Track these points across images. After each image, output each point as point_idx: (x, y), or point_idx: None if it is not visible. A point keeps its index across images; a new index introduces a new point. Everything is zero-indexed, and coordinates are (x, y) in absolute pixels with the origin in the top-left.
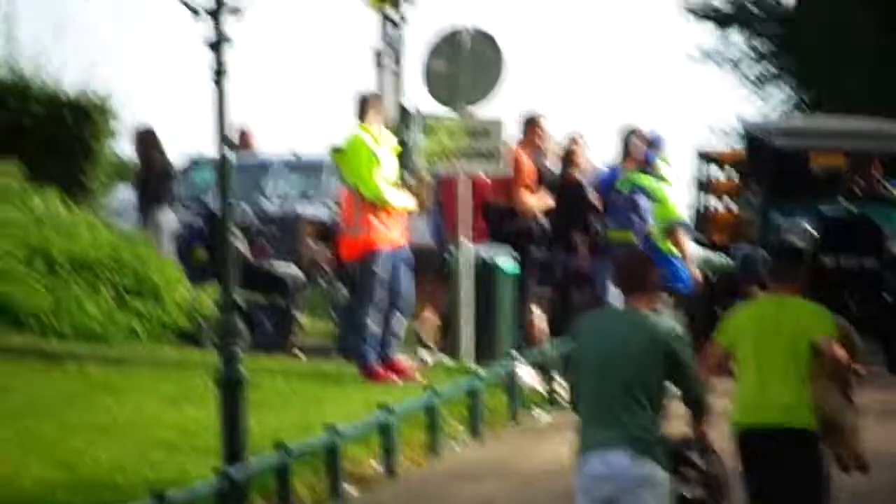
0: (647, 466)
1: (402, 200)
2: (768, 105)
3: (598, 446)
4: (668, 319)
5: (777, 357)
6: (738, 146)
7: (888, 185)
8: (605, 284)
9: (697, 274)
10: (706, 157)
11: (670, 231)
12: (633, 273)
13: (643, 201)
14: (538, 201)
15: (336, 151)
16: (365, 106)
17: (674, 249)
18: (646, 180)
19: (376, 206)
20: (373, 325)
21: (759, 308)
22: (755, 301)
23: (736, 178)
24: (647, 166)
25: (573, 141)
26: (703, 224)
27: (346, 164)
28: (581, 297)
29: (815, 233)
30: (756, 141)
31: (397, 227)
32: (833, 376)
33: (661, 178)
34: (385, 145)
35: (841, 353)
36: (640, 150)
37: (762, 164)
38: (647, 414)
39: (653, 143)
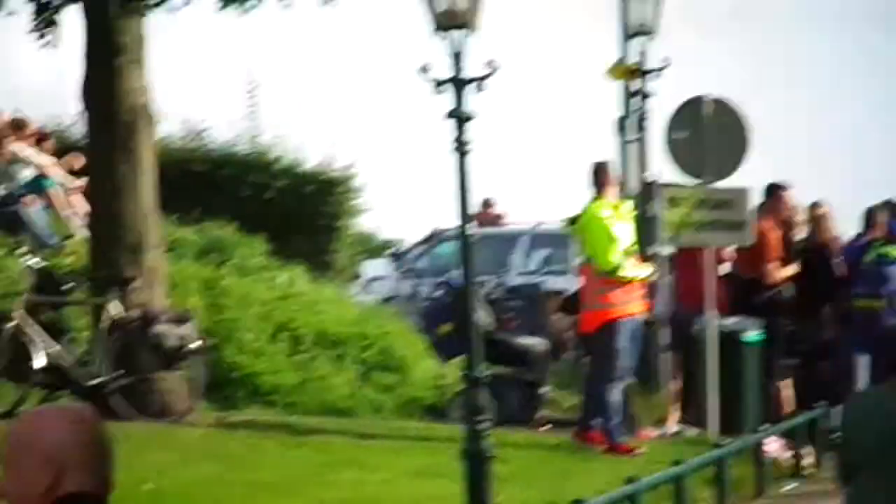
0: None
1: (639, 271)
2: None
3: None
4: None
5: None
6: None
7: None
8: (852, 355)
9: None
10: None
11: None
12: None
13: (892, 271)
14: (786, 273)
15: (572, 223)
16: (600, 176)
17: None
18: (893, 251)
19: (612, 278)
20: (616, 397)
21: None
22: None
23: None
24: (892, 236)
25: (818, 210)
26: None
27: (582, 237)
28: (829, 369)
29: None
30: None
31: (635, 298)
32: None
33: None
34: (623, 215)
35: None
36: (885, 221)
37: None
38: None
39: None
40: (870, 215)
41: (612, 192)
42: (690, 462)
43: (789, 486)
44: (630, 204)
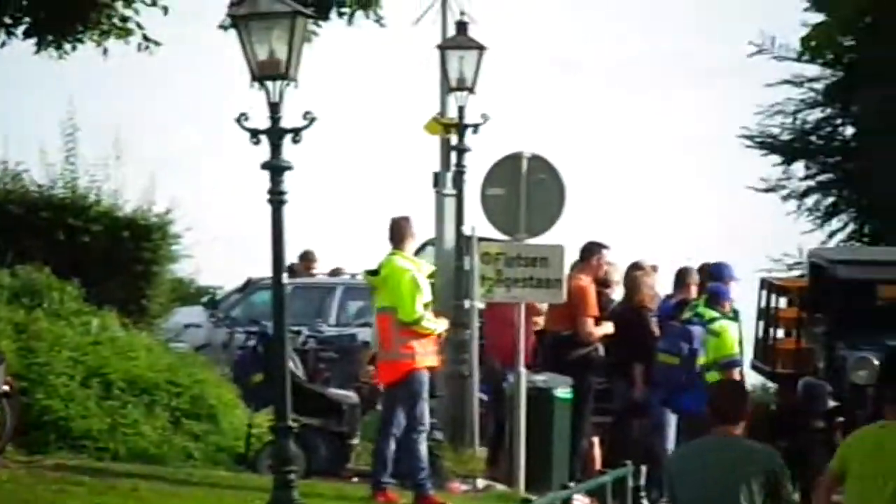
0: None
1: (437, 324)
2: (830, 237)
3: None
4: (765, 445)
5: (879, 480)
6: (801, 276)
7: None
8: (661, 414)
9: None
10: (770, 287)
11: (723, 367)
12: (728, 402)
13: (698, 331)
14: (602, 330)
15: (371, 274)
16: (401, 231)
17: None
18: (708, 313)
19: (413, 329)
20: (423, 449)
21: (867, 431)
22: (865, 427)
23: (799, 308)
24: (716, 298)
25: (636, 270)
26: (766, 354)
27: (385, 288)
28: (639, 427)
29: (878, 365)
30: (821, 271)
31: (432, 352)
32: None
33: (725, 315)
34: (421, 269)
35: None
36: (695, 281)
37: (827, 294)
38: None
39: (719, 276)
40: (679, 276)
41: (410, 247)
42: None
43: None
44: (426, 261)
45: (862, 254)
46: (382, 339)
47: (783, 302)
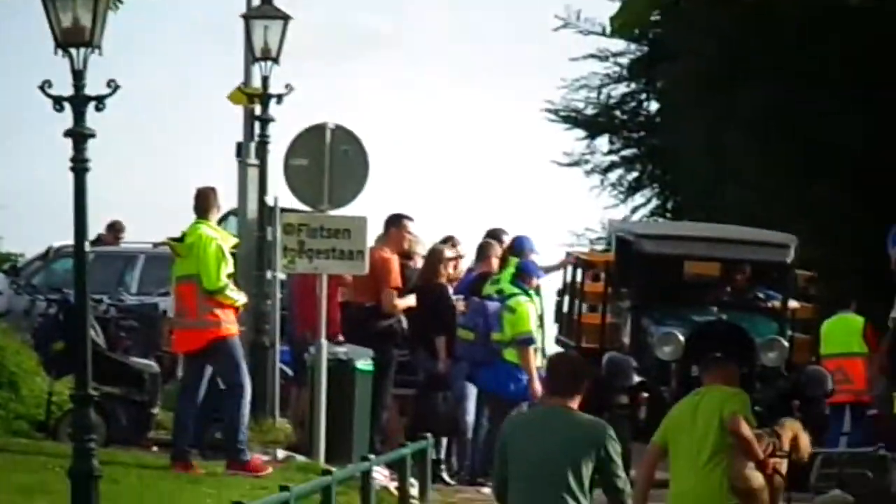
0: None
1: (240, 296)
2: (633, 212)
3: None
4: (597, 419)
5: (694, 447)
6: (606, 250)
7: (760, 293)
8: (463, 387)
9: (537, 389)
10: (576, 261)
11: (519, 344)
12: (564, 374)
13: (493, 307)
14: (404, 303)
15: (176, 241)
16: (206, 200)
17: (518, 360)
18: (508, 288)
19: (216, 298)
20: (245, 414)
21: (683, 403)
22: (684, 398)
23: (605, 283)
24: (524, 275)
25: (439, 245)
26: (571, 329)
27: (189, 256)
28: (442, 400)
29: (684, 341)
30: (626, 245)
31: (234, 320)
32: (743, 451)
33: (525, 291)
34: (226, 239)
35: (743, 429)
36: (497, 254)
37: (632, 269)
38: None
39: (520, 249)
40: (481, 249)
41: (214, 217)
42: (297, 488)
43: None
44: (229, 232)
45: (668, 229)
46: (185, 307)
47: (589, 277)
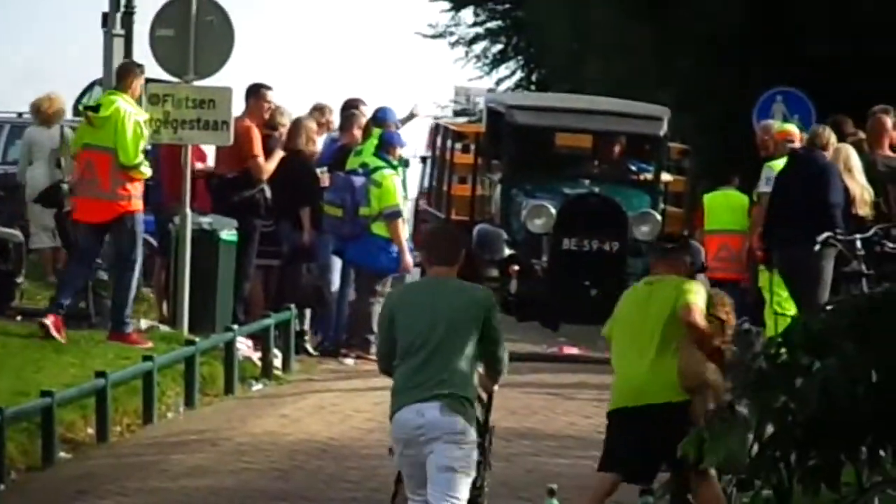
0: (458, 421)
1: (148, 170)
2: (497, 84)
3: (411, 402)
4: (480, 286)
5: (644, 337)
6: (476, 121)
7: (633, 166)
8: (327, 258)
9: (408, 263)
10: (445, 133)
11: (387, 217)
12: (442, 245)
13: (359, 181)
14: (272, 165)
15: (89, 110)
16: (128, 75)
17: (387, 234)
18: (373, 161)
19: (130, 173)
20: (134, 287)
21: (633, 292)
22: (635, 285)
23: (475, 154)
24: (387, 147)
25: (310, 114)
26: (440, 201)
27: (106, 128)
28: (305, 272)
29: (554, 213)
30: (498, 117)
31: (140, 195)
32: (696, 341)
33: (389, 163)
34: (140, 112)
35: (695, 318)
36: (361, 125)
37: (503, 140)
38: (467, 371)
39: (383, 120)
40: (345, 120)
41: (134, 91)
42: (160, 358)
43: (257, 387)
44: (141, 106)
45: (540, 100)
46: (95, 178)
47: (458, 147)
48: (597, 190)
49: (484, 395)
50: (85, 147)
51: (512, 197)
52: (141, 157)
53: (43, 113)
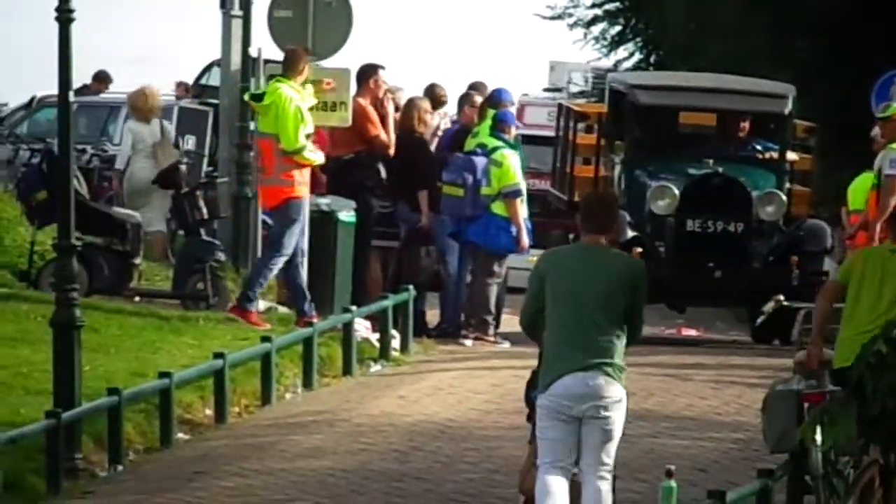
0: (617, 388)
1: (317, 155)
2: (616, 66)
3: (574, 370)
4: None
5: (877, 293)
6: (598, 102)
7: (758, 145)
8: (446, 240)
9: (525, 242)
10: (568, 113)
11: (507, 196)
12: (599, 212)
13: (481, 162)
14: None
15: (254, 99)
16: (295, 60)
17: (506, 213)
18: (490, 141)
19: (294, 158)
20: (274, 272)
21: (878, 249)
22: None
23: (598, 135)
24: (501, 126)
25: (417, 97)
26: (563, 182)
27: (268, 115)
28: (424, 254)
29: (678, 194)
30: (620, 97)
31: (307, 181)
32: None
33: (508, 143)
34: (306, 99)
35: None
36: (475, 104)
37: (626, 121)
38: (619, 340)
39: (498, 100)
40: (461, 101)
41: (299, 79)
42: (279, 339)
43: (375, 368)
44: (311, 89)
45: (663, 79)
46: (264, 165)
47: (581, 128)
48: (720, 170)
49: None
50: (258, 135)
51: (635, 178)
52: (303, 141)
53: (139, 110)
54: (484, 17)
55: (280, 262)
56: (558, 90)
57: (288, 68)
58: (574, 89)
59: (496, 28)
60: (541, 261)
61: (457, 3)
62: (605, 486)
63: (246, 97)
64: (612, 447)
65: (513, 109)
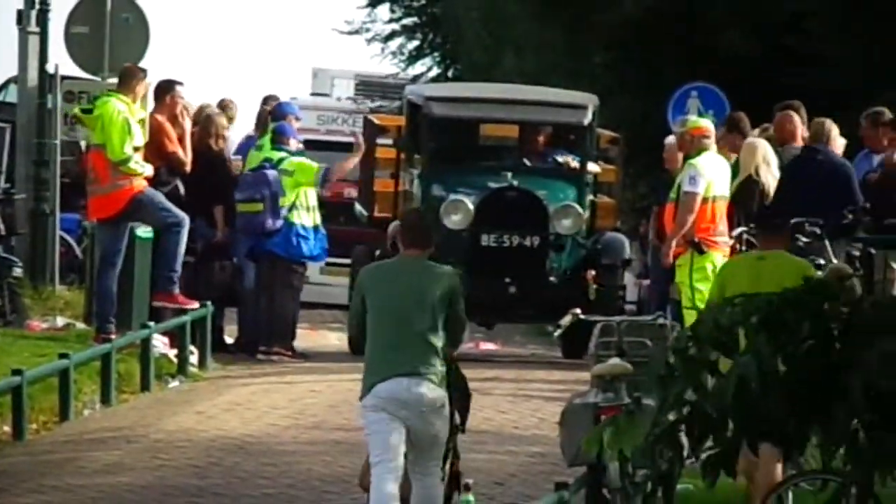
0: (439, 393)
1: (144, 167)
2: (413, 80)
3: (396, 375)
4: (448, 266)
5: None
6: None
7: (558, 156)
8: (243, 256)
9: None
10: (370, 126)
11: (323, 179)
12: (419, 228)
13: (272, 174)
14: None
15: (85, 112)
16: (128, 76)
17: (304, 222)
18: (274, 154)
19: (123, 169)
20: (183, 246)
21: (741, 264)
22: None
23: (397, 148)
24: (280, 138)
25: (214, 110)
26: (365, 197)
27: (97, 127)
28: (219, 269)
29: (472, 209)
30: (416, 109)
31: (143, 182)
32: None
33: (290, 153)
34: (134, 113)
35: None
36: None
37: (422, 134)
38: (438, 347)
39: (282, 114)
40: (259, 116)
41: (134, 93)
42: (76, 355)
43: (174, 384)
44: (139, 106)
45: (458, 90)
46: (97, 175)
47: (382, 142)
48: (515, 183)
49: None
50: (88, 148)
51: (432, 192)
52: (129, 152)
53: None
54: (286, 31)
55: (181, 236)
56: (325, 95)
57: (121, 84)
58: (336, 95)
59: (257, 35)
60: (361, 276)
61: (257, 17)
62: (434, 481)
63: (76, 111)
64: (438, 449)
65: (297, 122)
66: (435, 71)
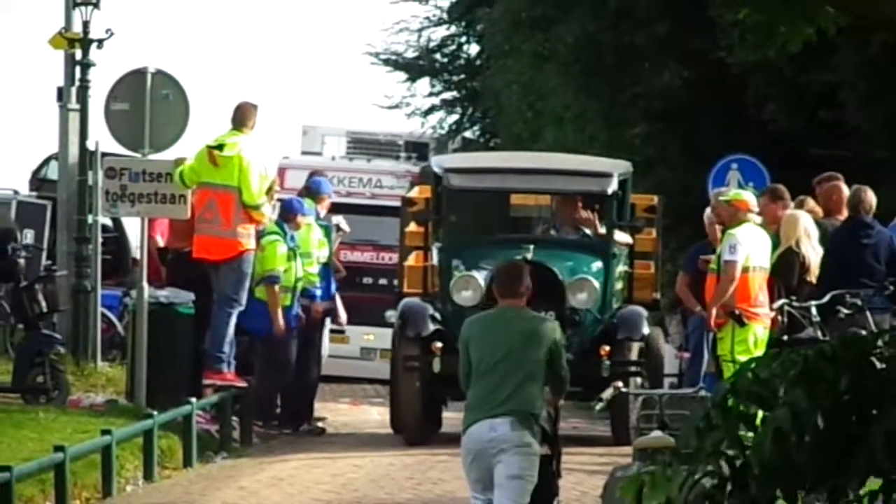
0: (525, 435)
1: (270, 212)
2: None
3: (485, 417)
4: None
5: None
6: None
7: (581, 227)
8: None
9: (280, 326)
10: (404, 202)
11: (265, 282)
12: (514, 279)
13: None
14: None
15: (215, 149)
16: (246, 113)
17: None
18: (269, 227)
19: (254, 212)
20: (233, 325)
21: None
22: None
23: (422, 223)
24: (284, 214)
25: None
26: (399, 273)
27: (227, 167)
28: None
29: (483, 285)
30: (437, 181)
31: (255, 234)
32: None
33: (280, 229)
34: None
35: None
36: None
37: (442, 206)
38: (536, 393)
39: (316, 191)
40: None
41: (251, 131)
42: (119, 432)
43: (216, 459)
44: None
45: (478, 160)
46: (218, 216)
47: (411, 217)
48: (529, 256)
49: (552, 410)
50: (208, 186)
51: (450, 267)
52: (264, 198)
53: None
54: (328, 106)
55: (234, 315)
56: (317, 154)
57: (240, 122)
58: (329, 153)
59: (340, 118)
60: (465, 327)
61: (298, 94)
62: None
63: (206, 146)
64: (524, 487)
65: (326, 202)
66: (447, 122)
